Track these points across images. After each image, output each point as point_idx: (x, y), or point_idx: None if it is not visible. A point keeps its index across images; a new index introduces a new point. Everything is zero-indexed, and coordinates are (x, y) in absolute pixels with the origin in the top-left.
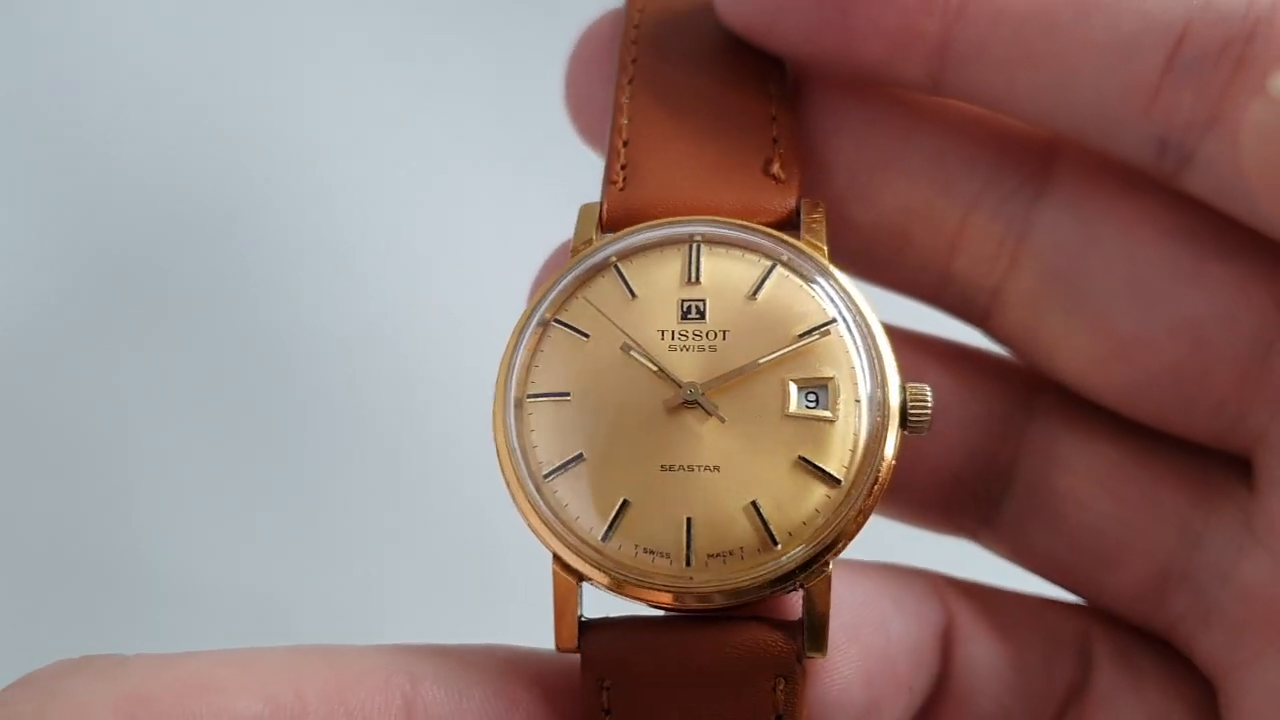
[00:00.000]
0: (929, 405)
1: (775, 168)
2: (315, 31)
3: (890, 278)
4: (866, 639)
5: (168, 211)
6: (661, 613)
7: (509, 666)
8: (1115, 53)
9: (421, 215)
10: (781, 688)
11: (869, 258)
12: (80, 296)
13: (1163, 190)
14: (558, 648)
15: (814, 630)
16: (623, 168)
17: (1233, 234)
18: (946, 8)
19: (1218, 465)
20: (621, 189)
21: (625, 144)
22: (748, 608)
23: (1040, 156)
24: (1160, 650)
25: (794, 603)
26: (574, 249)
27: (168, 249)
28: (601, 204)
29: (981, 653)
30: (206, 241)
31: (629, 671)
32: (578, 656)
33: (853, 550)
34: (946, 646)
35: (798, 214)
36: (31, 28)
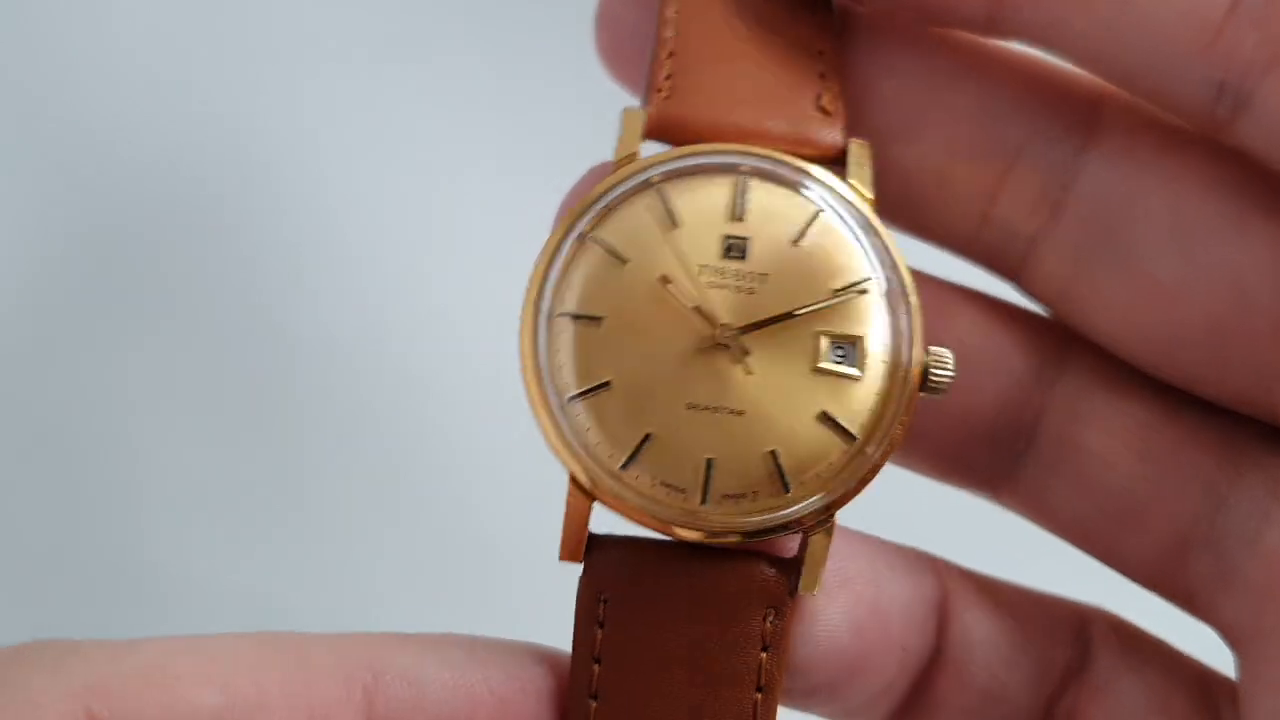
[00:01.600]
0: (951, 371)
1: (824, 100)
2: (317, 26)
3: (927, 222)
4: (858, 589)
5: (166, 208)
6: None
7: (473, 657)
8: None
9: (423, 213)
10: (771, 619)
11: (907, 200)
12: (79, 296)
13: (1209, 146)
14: (561, 558)
15: (810, 570)
16: (668, 78)
17: (1276, 188)
18: None
19: (1245, 430)
20: (668, 98)
21: (670, 55)
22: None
23: (1087, 108)
24: (1160, 645)
25: (790, 541)
26: (618, 162)
27: (166, 246)
28: (646, 111)
29: (977, 625)
30: (206, 241)
31: (628, 588)
32: (539, 647)
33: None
34: (942, 617)
35: (844, 153)
36: (31, 21)
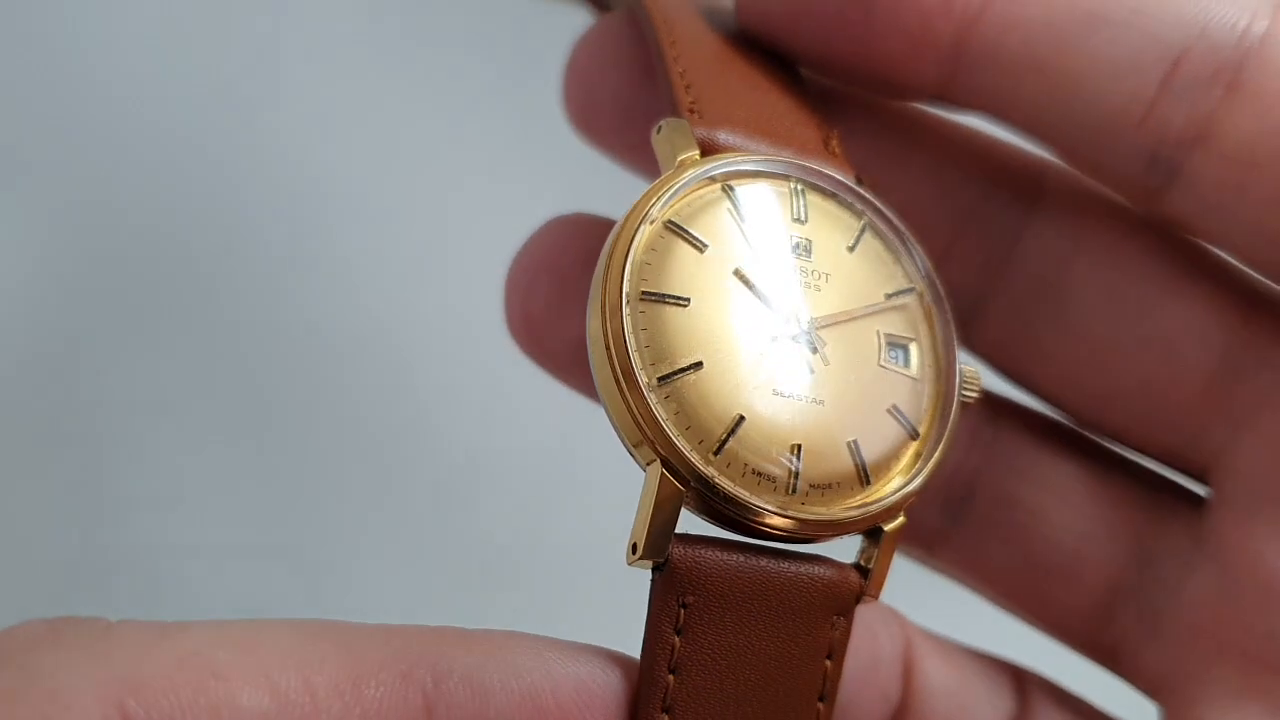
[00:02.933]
0: (978, 390)
1: (833, 144)
2: (314, 28)
3: None
4: (864, 646)
5: (165, 208)
6: (739, 537)
7: (542, 663)
8: (1117, 68)
9: (424, 212)
10: (840, 626)
11: None
12: (78, 297)
13: (1142, 218)
14: (640, 555)
15: (879, 572)
16: (693, 102)
17: (1209, 256)
18: (965, 11)
19: (1169, 486)
20: (701, 117)
21: (688, 87)
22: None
23: (1030, 180)
24: (1087, 705)
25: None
26: (681, 161)
27: (165, 247)
28: (688, 125)
29: (935, 673)
30: (206, 241)
31: (713, 592)
32: (611, 651)
33: None
34: (907, 665)
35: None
36: (33, 25)
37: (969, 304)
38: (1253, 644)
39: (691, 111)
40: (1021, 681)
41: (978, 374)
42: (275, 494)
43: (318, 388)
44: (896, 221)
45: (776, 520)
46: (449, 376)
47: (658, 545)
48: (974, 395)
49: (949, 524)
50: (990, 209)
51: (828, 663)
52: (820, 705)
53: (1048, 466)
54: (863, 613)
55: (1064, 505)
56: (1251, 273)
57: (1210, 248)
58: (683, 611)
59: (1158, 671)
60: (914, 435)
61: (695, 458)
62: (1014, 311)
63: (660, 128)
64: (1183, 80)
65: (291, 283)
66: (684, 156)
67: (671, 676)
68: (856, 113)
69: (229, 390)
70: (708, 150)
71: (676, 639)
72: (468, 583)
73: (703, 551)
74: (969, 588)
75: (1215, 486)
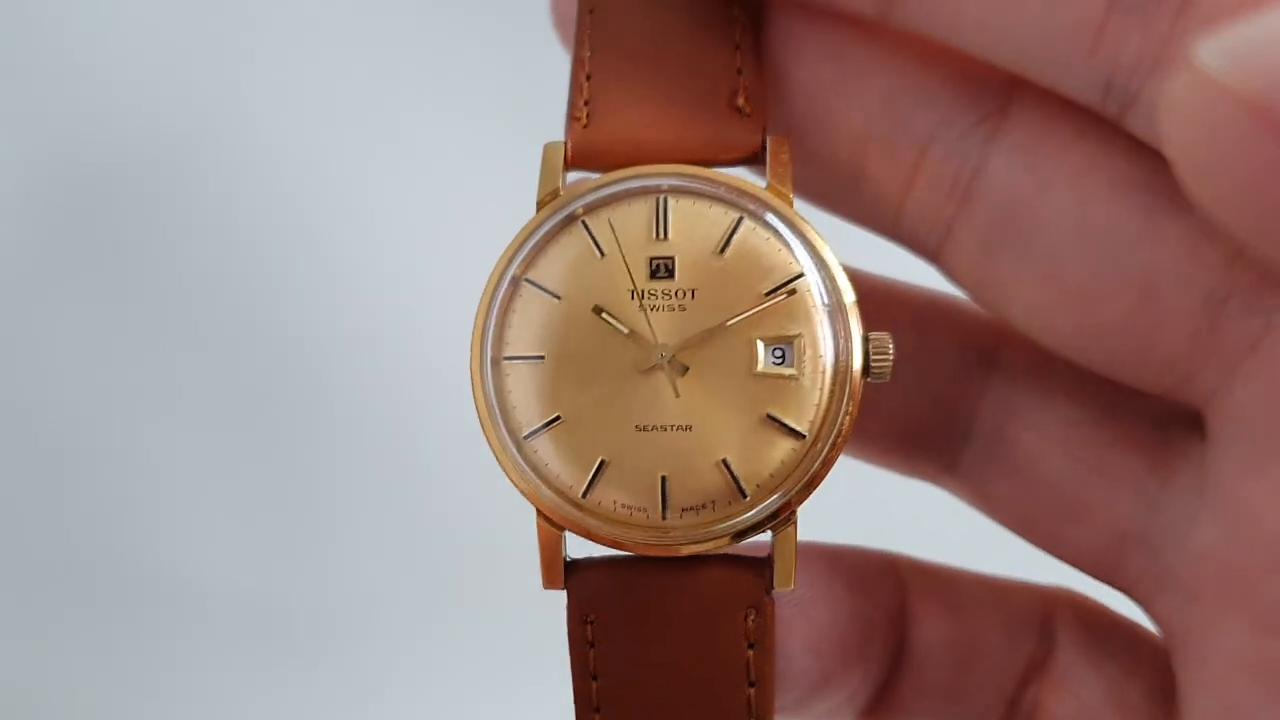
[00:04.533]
0: (890, 354)
1: (740, 100)
2: (311, 25)
3: (846, 210)
4: (815, 613)
5: (166, 208)
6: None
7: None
8: None
9: (426, 212)
10: (753, 618)
11: (826, 190)
12: (79, 298)
13: (1119, 135)
14: (544, 587)
15: (782, 568)
16: (586, 103)
17: None
18: None
19: (1176, 423)
20: (585, 126)
21: (588, 78)
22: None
23: (999, 94)
24: (1124, 629)
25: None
26: (540, 201)
27: (167, 248)
28: (566, 143)
29: (936, 630)
30: (208, 243)
31: (610, 607)
32: None
33: (830, 518)
34: (903, 623)
35: (764, 150)
36: (28, 18)
37: (939, 234)
38: (1261, 608)
39: (577, 120)
40: (1047, 616)
41: (886, 339)
42: (275, 493)
43: (320, 389)
44: (779, 205)
45: (649, 550)
46: (452, 376)
47: (553, 577)
48: (886, 365)
49: (952, 460)
50: (953, 131)
51: (750, 652)
52: (751, 690)
53: (1044, 408)
54: (853, 571)
55: (1060, 451)
56: None
57: None
58: (589, 627)
59: (1168, 621)
60: (797, 436)
61: (564, 506)
62: (982, 245)
63: (544, 149)
64: (1131, 1)
65: (294, 283)
66: (546, 193)
67: (594, 682)
68: (808, 35)
69: (230, 389)
70: (593, 157)
71: (590, 650)
72: (469, 580)
73: (596, 574)
74: (986, 516)
75: (1211, 429)
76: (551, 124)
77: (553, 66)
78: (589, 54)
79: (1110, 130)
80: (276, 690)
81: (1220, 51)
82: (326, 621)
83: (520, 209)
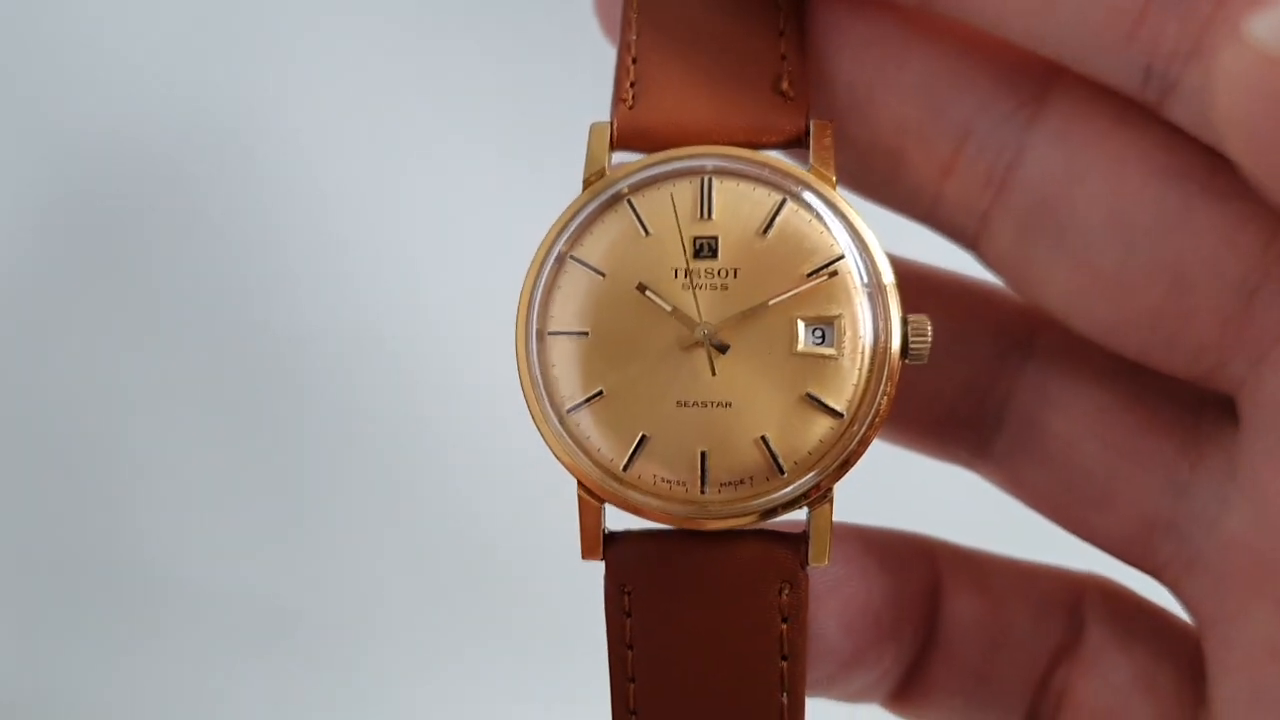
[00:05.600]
0: (928, 336)
1: (784, 85)
2: (313, 24)
3: (886, 197)
4: (847, 591)
5: (167, 208)
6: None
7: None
8: None
9: (427, 211)
10: (787, 592)
11: (866, 176)
12: (79, 297)
13: (1156, 123)
14: (583, 557)
15: (817, 544)
16: (632, 85)
17: (1224, 174)
18: None
19: (1209, 408)
20: (631, 107)
21: (634, 60)
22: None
23: (1038, 82)
24: (1152, 614)
25: (798, 518)
26: (586, 180)
27: (168, 247)
28: (612, 123)
29: (967, 610)
30: (210, 242)
31: (647, 578)
32: None
33: (866, 493)
34: (934, 603)
35: (807, 134)
36: (26, 17)
37: (976, 221)
38: None
39: (623, 101)
40: (1077, 601)
41: (925, 321)
42: (276, 493)
43: (320, 388)
44: (822, 188)
45: (687, 523)
46: (453, 376)
47: (591, 547)
48: (924, 347)
49: (985, 443)
50: (991, 120)
51: (784, 626)
52: (784, 663)
53: (1077, 394)
54: (886, 552)
55: (1092, 437)
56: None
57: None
58: (627, 597)
59: (1198, 605)
60: (835, 415)
61: (605, 479)
62: (1017, 233)
63: (590, 129)
64: None
65: (295, 283)
66: (592, 172)
67: (630, 651)
68: (850, 22)
69: (231, 389)
70: (638, 138)
71: (627, 620)
72: (468, 579)
73: (635, 546)
74: (1019, 501)
75: (1242, 416)
76: (566, 125)
77: (567, 68)
78: (635, 37)
79: (1148, 118)
80: (277, 689)
81: (1271, 25)
82: (328, 620)
83: (524, 210)
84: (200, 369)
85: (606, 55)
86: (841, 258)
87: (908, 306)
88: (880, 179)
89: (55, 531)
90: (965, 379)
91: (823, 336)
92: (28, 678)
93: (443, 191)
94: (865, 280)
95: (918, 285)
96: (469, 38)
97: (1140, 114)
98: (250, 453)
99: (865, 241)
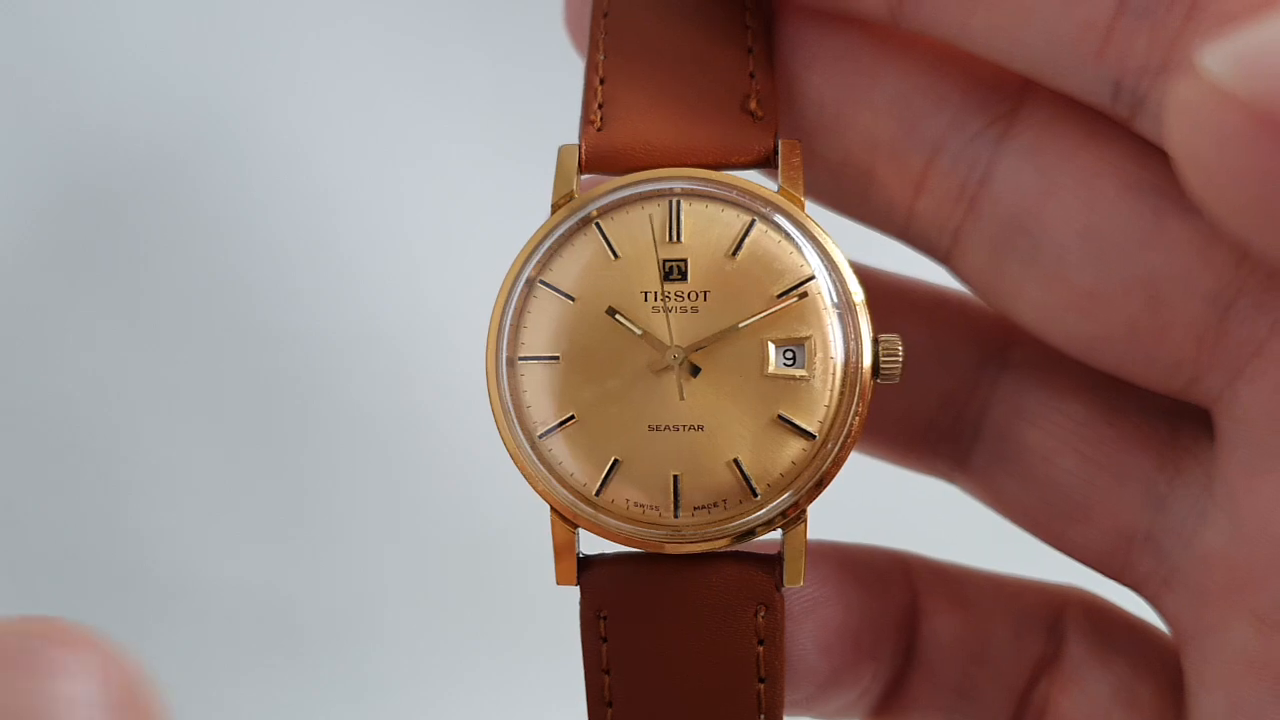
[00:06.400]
0: (900, 356)
1: (753, 104)
2: (313, 24)
3: (859, 214)
4: (824, 613)
5: (168, 207)
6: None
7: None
8: None
9: (427, 211)
10: (763, 614)
11: (838, 193)
12: (80, 296)
13: (1128, 137)
14: (558, 583)
15: (792, 566)
16: (600, 106)
17: None
18: None
19: (1186, 420)
20: (599, 129)
21: (602, 81)
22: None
23: (1010, 97)
24: (1133, 627)
25: (772, 540)
26: (554, 203)
27: (169, 246)
28: (580, 146)
29: (947, 626)
30: (211, 241)
31: (622, 603)
32: None
33: (843, 518)
34: (913, 620)
35: (776, 153)
36: (27, 18)
37: (948, 238)
38: (1267, 608)
39: (591, 123)
40: (1057, 615)
41: (896, 340)
42: (277, 492)
43: (321, 387)
44: (790, 208)
45: (655, 545)
46: (453, 375)
47: (566, 573)
48: (895, 367)
49: (963, 456)
50: (962, 135)
51: (760, 648)
52: (761, 686)
53: (1054, 407)
54: (863, 569)
55: (1068, 450)
56: None
57: None
58: (603, 622)
59: (1176, 620)
60: (808, 436)
61: (577, 504)
62: (989, 249)
63: (559, 152)
64: (1140, 2)
65: (296, 282)
66: (561, 195)
67: (607, 676)
68: (820, 39)
69: (231, 389)
70: (607, 160)
71: (603, 645)
72: (469, 580)
73: (609, 570)
74: (997, 513)
75: (1218, 430)
76: (564, 127)
77: (565, 70)
78: (603, 57)
79: (1119, 133)
80: (277, 688)
81: (1225, 57)
82: (329, 620)
83: (532, 212)
84: (200, 369)
85: None
86: (811, 278)
87: (883, 319)
88: (852, 196)
89: (55, 531)
90: (943, 390)
91: (793, 358)
92: None
93: (443, 191)
94: (835, 300)
95: (893, 298)
96: (470, 38)
97: (1112, 128)
98: (250, 453)
99: (835, 261)
